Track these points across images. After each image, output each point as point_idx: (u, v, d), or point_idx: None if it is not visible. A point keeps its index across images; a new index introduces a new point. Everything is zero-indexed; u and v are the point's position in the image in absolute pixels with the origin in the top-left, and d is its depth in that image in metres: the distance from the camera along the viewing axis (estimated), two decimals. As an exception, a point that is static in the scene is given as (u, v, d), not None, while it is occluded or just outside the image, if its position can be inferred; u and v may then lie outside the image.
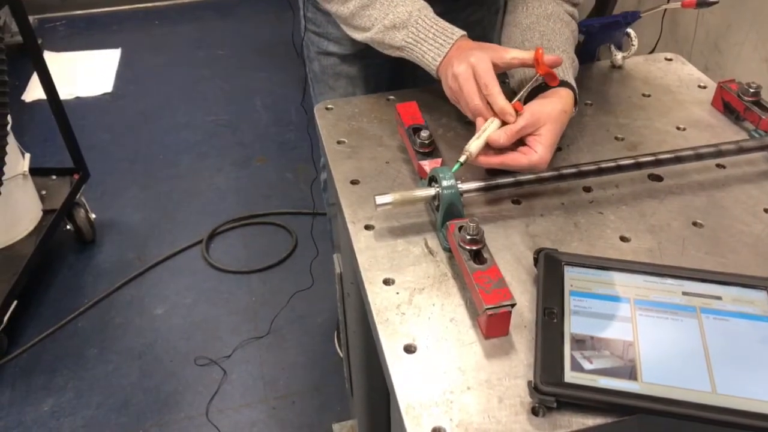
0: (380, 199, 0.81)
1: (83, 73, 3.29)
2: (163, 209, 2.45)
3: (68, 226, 2.25)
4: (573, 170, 0.84)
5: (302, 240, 2.27)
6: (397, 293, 0.75)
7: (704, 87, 1.09)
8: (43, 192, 2.15)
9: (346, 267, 1.09)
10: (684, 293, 0.70)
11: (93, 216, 2.29)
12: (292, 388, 1.82)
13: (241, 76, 3.24)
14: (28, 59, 2.01)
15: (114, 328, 2.01)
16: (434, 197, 0.82)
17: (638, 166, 0.85)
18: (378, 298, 0.75)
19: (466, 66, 0.88)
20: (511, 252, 0.80)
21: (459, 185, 0.80)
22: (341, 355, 1.87)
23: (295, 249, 2.25)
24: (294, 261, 2.21)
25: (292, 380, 1.84)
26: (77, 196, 2.22)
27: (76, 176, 2.23)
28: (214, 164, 2.68)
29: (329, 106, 1.07)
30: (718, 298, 0.70)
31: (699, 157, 0.86)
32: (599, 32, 1.08)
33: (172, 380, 1.85)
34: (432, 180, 0.83)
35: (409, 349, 0.69)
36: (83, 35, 3.66)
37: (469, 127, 1.01)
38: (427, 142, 0.89)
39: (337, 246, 1.29)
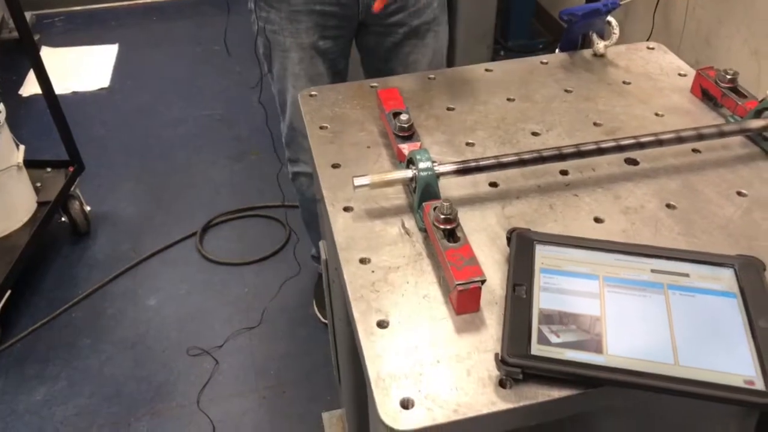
0: (358, 181, 0.82)
1: (80, 68, 3.31)
2: (158, 202, 2.47)
3: (63, 218, 2.27)
4: (535, 155, 0.85)
5: (295, 233, 2.28)
6: (373, 272, 0.76)
7: (684, 75, 1.10)
8: (38, 184, 2.16)
9: (331, 253, 1.10)
10: (653, 271, 0.71)
11: (88, 208, 2.31)
12: (282, 377, 1.84)
13: (237, 71, 3.25)
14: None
15: (107, 318, 2.02)
16: (411, 179, 0.83)
17: (601, 151, 0.86)
18: (354, 276, 0.76)
19: None
20: (486, 233, 0.81)
21: (435, 167, 0.82)
22: (323, 321, 1.88)
23: (288, 241, 2.26)
24: (287, 253, 2.22)
25: (282, 370, 1.86)
26: (72, 189, 2.23)
27: (71, 169, 2.24)
28: (209, 158, 2.69)
29: (313, 92, 1.08)
30: (686, 275, 0.71)
31: (661, 142, 0.87)
32: (581, 20, 1.09)
33: (164, 370, 1.86)
34: (410, 162, 0.84)
35: (382, 325, 0.70)
36: (81, 31, 3.68)
37: (448, 113, 1.02)
38: (406, 125, 0.91)
39: (323, 232, 1.30)
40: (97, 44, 3.52)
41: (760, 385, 0.59)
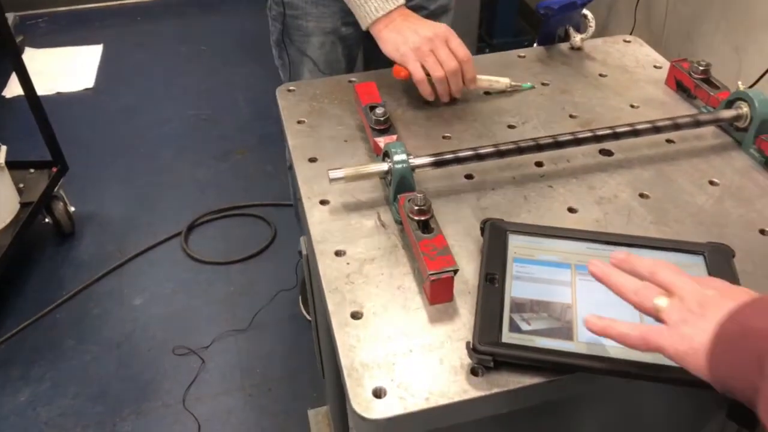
0: (333, 174, 0.83)
1: (64, 69, 3.29)
2: (144, 202, 2.46)
3: (47, 219, 2.26)
4: (510, 147, 0.86)
5: (281, 231, 2.28)
6: (348, 264, 0.77)
7: (660, 67, 1.11)
8: (21, 185, 2.15)
9: (309, 247, 1.10)
10: (624, 259, 0.72)
11: (72, 209, 2.29)
12: (268, 376, 1.83)
13: (223, 71, 3.24)
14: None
15: (92, 318, 2.01)
16: (387, 172, 0.83)
17: (576, 142, 0.87)
18: (329, 269, 0.76)
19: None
20: (461, 224, 0.82)
21: (410, 160, 0.82)
22: (309, 318, 1.87)
23: (273, 240, 2.26)
24: (273, 252, 2.22)
25: (268, 369, 1.85)
26: (56, 189, 2.22)
27: (54, 169, 2.23)
28: (195, 157, 2.68)
29: (291, 87, 1.08)
30: (657, 263, 0.71)
31: (636, 133, 0.88)
32: (557, 13, 1.10)
33: (149, 369, 1.85)
34: (385, 155, 0.85)
35: (356, 316, 0.70)
36: (65, 31, 3.65)
37: (425, 107, 1.03)
38: (382, 119, 0.91)
39: (302, 227, 1.31)
40: (82, 45, 3.49)
41: (726, 369, 0.60)
